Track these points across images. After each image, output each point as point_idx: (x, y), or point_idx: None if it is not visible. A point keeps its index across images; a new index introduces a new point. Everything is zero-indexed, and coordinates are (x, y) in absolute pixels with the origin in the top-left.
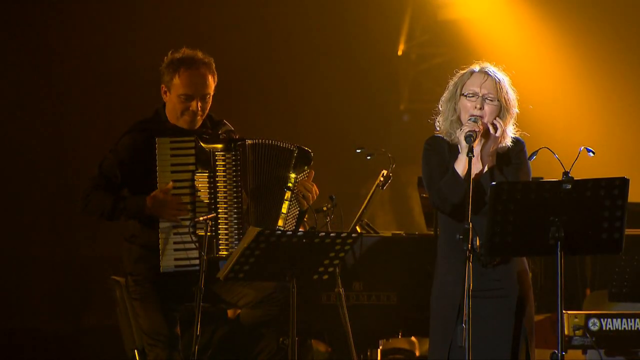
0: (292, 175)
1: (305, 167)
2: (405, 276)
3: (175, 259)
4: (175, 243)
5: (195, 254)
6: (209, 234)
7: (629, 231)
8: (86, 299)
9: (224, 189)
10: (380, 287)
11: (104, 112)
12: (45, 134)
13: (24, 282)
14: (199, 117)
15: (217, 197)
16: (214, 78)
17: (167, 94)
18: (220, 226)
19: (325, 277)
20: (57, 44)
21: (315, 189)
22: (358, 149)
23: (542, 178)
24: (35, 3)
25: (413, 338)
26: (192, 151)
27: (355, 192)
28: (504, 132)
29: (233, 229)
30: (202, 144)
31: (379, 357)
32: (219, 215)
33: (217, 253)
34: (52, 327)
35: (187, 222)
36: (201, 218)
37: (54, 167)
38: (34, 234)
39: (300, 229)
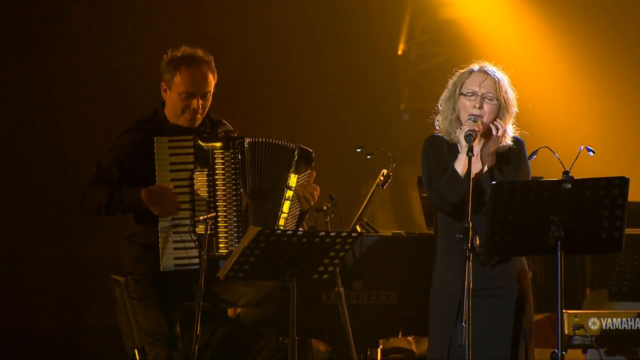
0: (294, 175)
1: (307, 167)
2: (405, 276)
3: (175, 258)
4: (175, 242)
5: (195, 253)
6: (208, 232)
7: (629, 231)
8: (86, 299)
9: (223, 188)
10: (380, 287)
11: (104, 111)
12: (45, 134)
13: (24, 282)
14: (199, 115)
15: (217, 196)
16: (214, 76)
17: (167, 92)
18: (219, 225)
19: (325, 276)
20: (57, 44)
21: (317, 192)
22: (358, 149)
23: (542, 177)
24: (35, 3)
25: (410, 337)
26: (191, 150)
27: (355, 192)
28: (504, 131)
29: (232, 228)
30: (200, 142)
31: (379, 357)
32: (219, 214)
33: (217, 252)
34: (52, 327)
35: (187, 221)
36: (201, 217)
37: (54, 167)
38: (34, 234)
39: (300, 229)
